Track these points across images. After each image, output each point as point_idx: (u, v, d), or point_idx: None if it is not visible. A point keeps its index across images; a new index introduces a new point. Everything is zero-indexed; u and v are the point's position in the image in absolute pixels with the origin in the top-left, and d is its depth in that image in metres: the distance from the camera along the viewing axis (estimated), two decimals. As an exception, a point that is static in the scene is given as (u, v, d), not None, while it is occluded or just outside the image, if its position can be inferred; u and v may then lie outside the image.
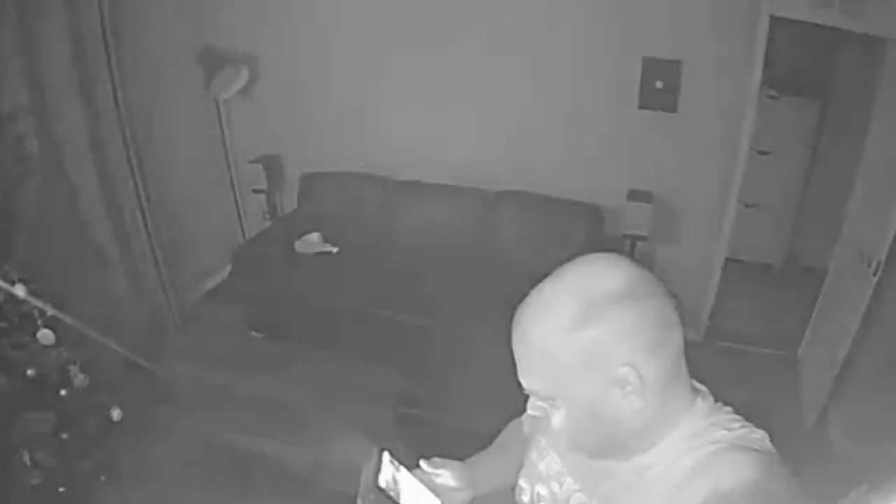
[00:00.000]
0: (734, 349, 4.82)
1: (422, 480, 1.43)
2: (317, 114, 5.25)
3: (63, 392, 3.28)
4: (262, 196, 5.41)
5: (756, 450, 1.07)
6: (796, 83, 5.48)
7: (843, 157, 5.38)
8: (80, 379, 3.33)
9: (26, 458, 3.05)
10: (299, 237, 5.12)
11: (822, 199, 5.74)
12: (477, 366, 3.68)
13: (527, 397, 1.20)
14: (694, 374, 1.21)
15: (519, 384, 1.17)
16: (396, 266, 4.81)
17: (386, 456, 1.41)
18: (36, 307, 3.15)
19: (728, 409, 1.19)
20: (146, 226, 4.61)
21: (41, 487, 3.08)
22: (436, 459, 1.50)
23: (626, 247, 4.55)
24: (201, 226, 5.46)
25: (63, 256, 4.07)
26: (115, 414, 3.49)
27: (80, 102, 3.97)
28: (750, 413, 1.33)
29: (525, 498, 1.40)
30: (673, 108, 4.31)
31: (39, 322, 3.19)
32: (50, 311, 3.14)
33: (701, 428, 1.12)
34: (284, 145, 5.52)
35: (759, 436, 1.13)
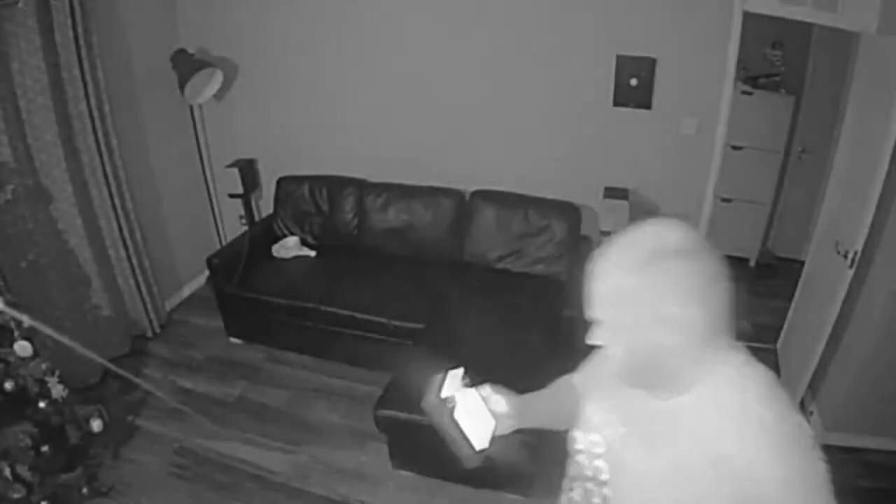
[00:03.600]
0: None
1: (482, 399, 1.68)
2: (292, 117, 5.24)
3: (42, 404, 3.25)
4: (239, 200, 5.38)
5: (776, 419, 1.24)
6: (770, 78, 5.54)
7: (817, 151, 5.45)
8: (58, 390, 3.29)
9: (7, 471, 3.01)
10: (276, 241, 5.11)
11: (797, 192, 5.81)
12: (456, 366, 3.69)
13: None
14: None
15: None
16: (374, 268, 4.82)
17: (458, 372, 1.66)
18: (13, 318, 3.11)
19: (762, 367, 1.35)
20: (122, 233, 4.57)
21: (22, 501, 3.05)
22: (497, 387, 1.72)
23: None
24: (178, 232, 5.43)
25: (39, 266, 4.03)
26: (95, 425, 3.46)
27: (53, 109, 3.93)
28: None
29: (580, 446, 1.59)
30: (647, 105, 4.33)
31: (16, 333, 3.15)
32: (27, 322, 3.10)
33: (733, 378, 1.30)
34: (260, 149, 5.50)
35: (784, 402, 1.29)
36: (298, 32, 4.89)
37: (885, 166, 3.16)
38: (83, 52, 4.05)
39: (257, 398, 4.40)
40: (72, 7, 3.91)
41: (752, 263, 6.09)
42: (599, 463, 1.52)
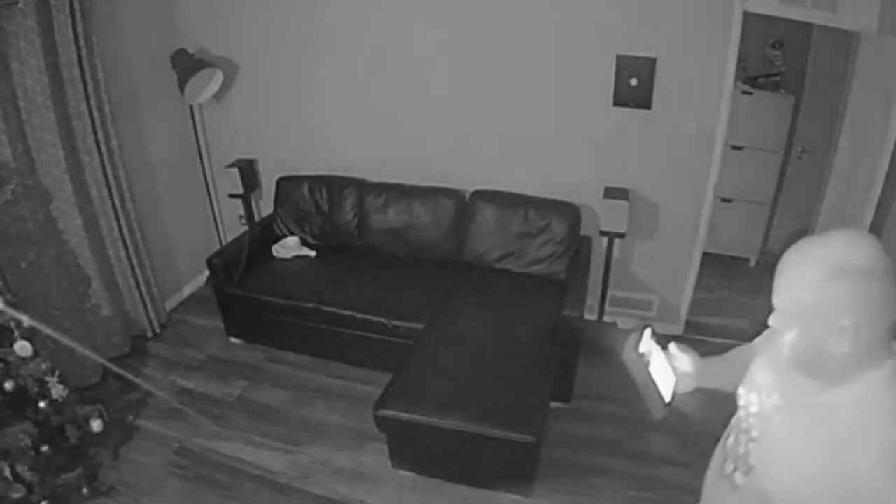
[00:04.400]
0: (713, 343, 4.83)
1: (667, 357, 1.87)
2: (292, 117, 5.24)
3: (42, 404, 3.25)
4: (239, 200, 5.38)
5: None
6: (770, 78, 5.54)
7: (817, 151, 5.45)
8: (58, 390, 3.29)
9: (7, 471, 3.01)
10: (276, 241, 5.10)
11: (797, 192, 5.80)
12: (456, 365, 3.68)
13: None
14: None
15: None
16: (374, 268, 4.82)
17: (648, 331, 1.80)
18: (13, 318, 3.11)
19: None
20: (122, 233, 4.57)
21: (22, 501, 3.05)
22: (682, 346, 1.94)
23: (603, 244, 4.59)
24: (178, 232, 5.43)
25: (39, 266, 4.03)
26: (95, 425, 3.46)
27: (53, 109, 3.93)
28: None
29: (741, 402, 1.76)
30: (647, 105, 4.33)
31: (16, 333, 3.15)
32: (27, 322, 3.10)
33: (878, 389, 1.38)
34: (260, 149, 5.49)
35: None
36: (298, 32, 4.89)
37: (885, 166, 3.16)
38: (83, 52, 4.05)
39: (257, 398, 4.40)
40: (72, 7, 3.91)
41: (752, 263, 6.09)
42: (753, 420, 1.68)
